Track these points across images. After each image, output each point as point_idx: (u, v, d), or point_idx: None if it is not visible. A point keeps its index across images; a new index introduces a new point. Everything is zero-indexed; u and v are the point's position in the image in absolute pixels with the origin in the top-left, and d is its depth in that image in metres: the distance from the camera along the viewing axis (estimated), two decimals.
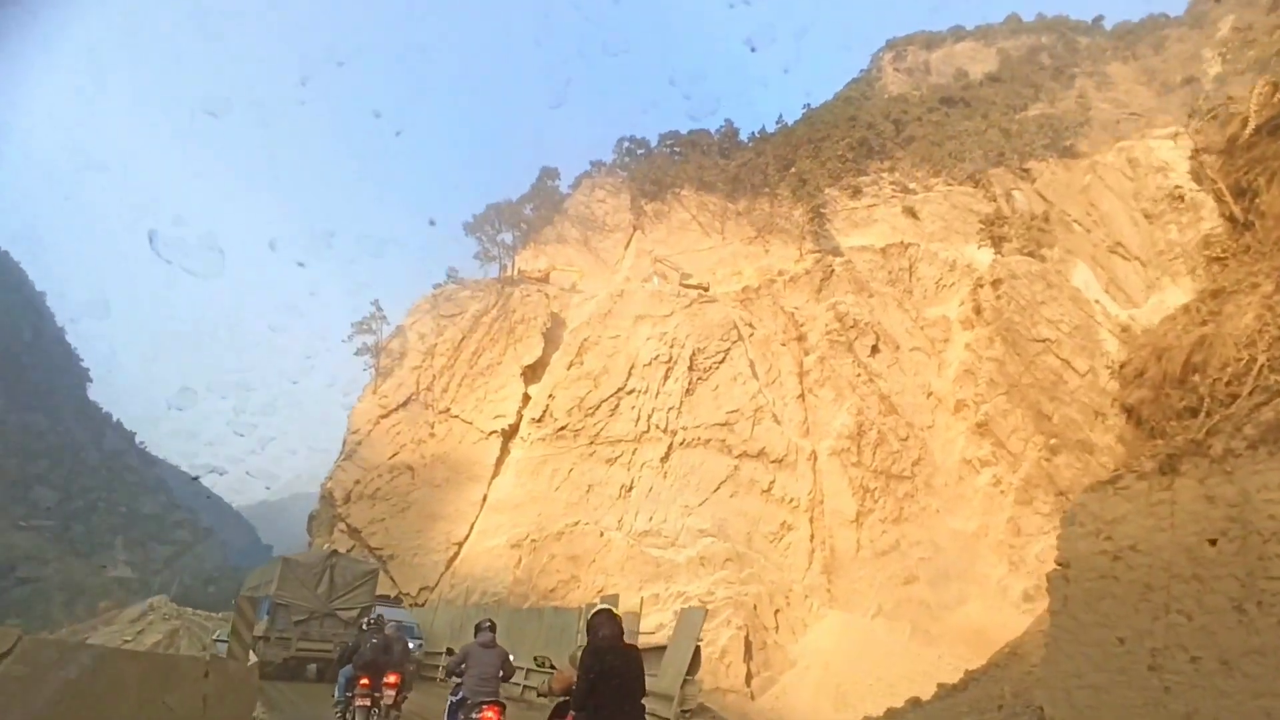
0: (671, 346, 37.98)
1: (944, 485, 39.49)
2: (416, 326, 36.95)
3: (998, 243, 46.09)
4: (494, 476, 34.07)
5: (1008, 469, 39.33)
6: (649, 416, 36.48)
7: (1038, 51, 65.58)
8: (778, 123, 54.12)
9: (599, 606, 5.42)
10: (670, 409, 36.86)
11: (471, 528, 32.87)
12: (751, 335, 40.08)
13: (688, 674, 12.37)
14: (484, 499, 33.49)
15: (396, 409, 34.28)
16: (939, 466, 39.97)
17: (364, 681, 10.25)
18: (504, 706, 7.64)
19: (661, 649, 14.03)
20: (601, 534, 33.63)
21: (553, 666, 8.71)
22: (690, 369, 37.88)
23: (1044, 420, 40.78)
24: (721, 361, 38.62)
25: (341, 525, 31.72)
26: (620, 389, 36.46)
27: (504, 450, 34.71)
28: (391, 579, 30.66)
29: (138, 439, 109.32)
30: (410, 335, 36.55)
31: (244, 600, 9.47)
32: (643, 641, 16.05)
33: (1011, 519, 37.73)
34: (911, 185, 50.26)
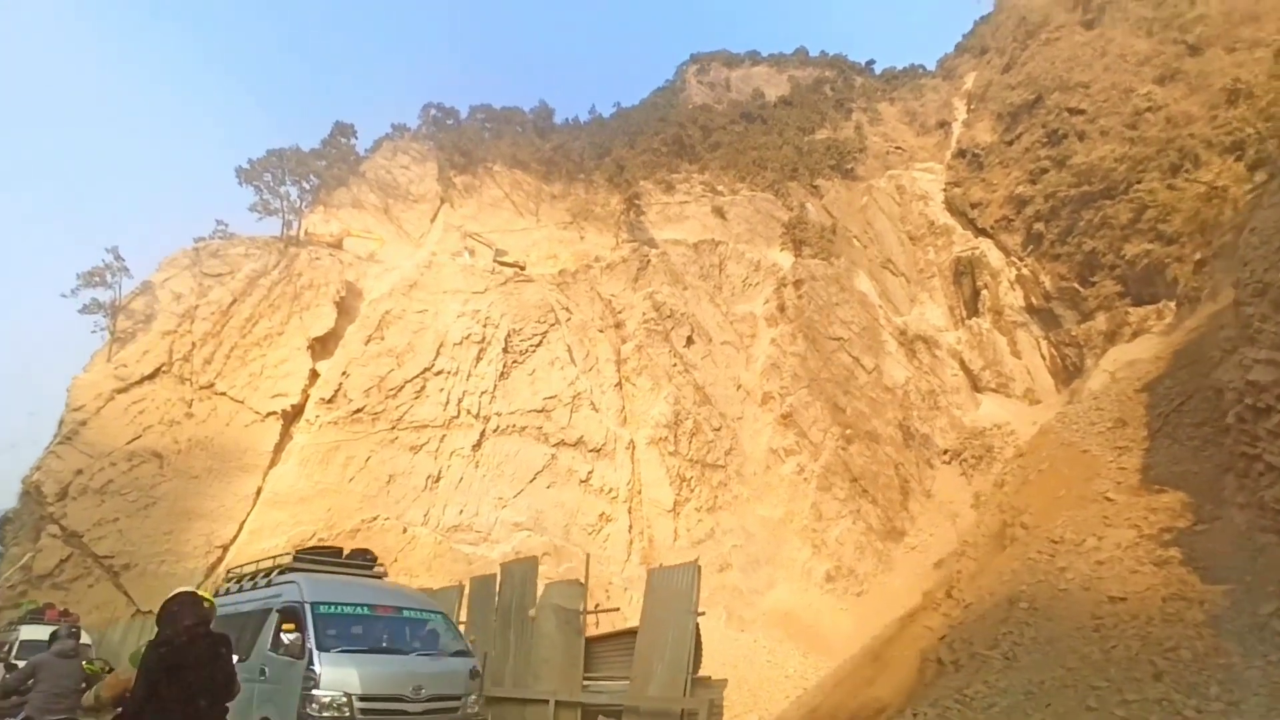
0: (485, 326, 34.90)
1: (753, 474, 40.31)
2: (170, 284, 30.04)
3: (798, 247, 48.87)
4: (272, 466, 28.56)
5: (810, 458, 41.18)
6: (459, 400, 33.05)
7: (822, 84, 71.56)
8: (591, 113, 53.26)
9: (178, 590, 4.55)
10: (483, 393, 33.73)
11: (242, 527, 27.16)
12: (569, 320, 38.19)
13: (693, 671, 8.04)
14: (258, 492, 27.88)
15: (140, 382, 27.36)
16: (748, 456, 40.78)
17: None
18: None
19: (627, 636, 9.31)
20: (405, 530, 29.57)
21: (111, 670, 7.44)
22: (505, 351, 35.07)
23: (839, 412, 43.48)
24: (539, 345, 36.25)
25: (54, 529, 24.43)
26: (427, 369, 32.66)
27: (285, 435, 29.29)
28: (126, 594, 24.23)
29: None
30: (161, 294, 29.61)
31: None
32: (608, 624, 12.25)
33: (814, 504, 39.39)
34: (720, 188, 51.75)
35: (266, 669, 7.92)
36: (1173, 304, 34.58)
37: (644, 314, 40.51)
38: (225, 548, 26.81)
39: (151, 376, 27.79)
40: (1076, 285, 46.28)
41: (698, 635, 8.35)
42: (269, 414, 29.15)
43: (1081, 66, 51.41)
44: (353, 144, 41.11)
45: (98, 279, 27.99)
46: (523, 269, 37.51)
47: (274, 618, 8.15)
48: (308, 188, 35.99)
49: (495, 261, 37.15)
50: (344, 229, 35.98)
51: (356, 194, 38.80)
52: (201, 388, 28.43)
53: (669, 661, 8.07)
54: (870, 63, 74.32)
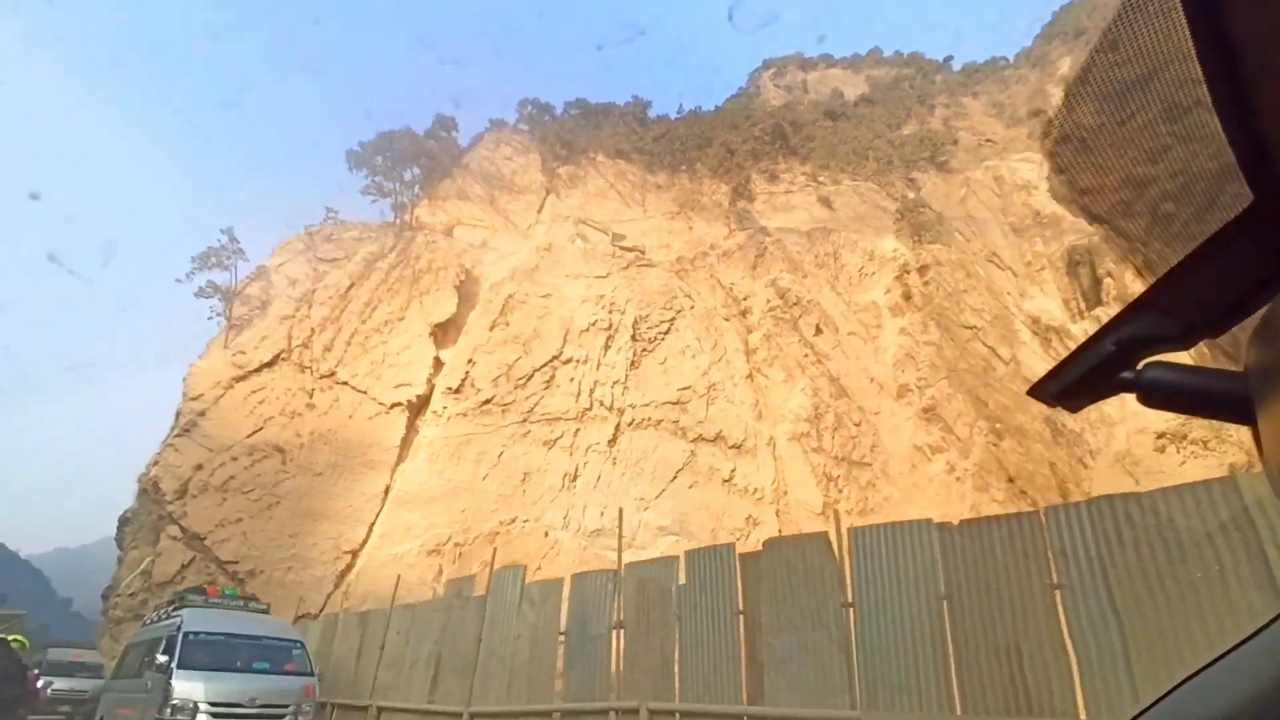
0: (610, 312, 31.83)
1: (899, 473, 36.07)
2: (285, 269, 27.61)
3: (916, 232, 45.34)
4: (400, 462, 25.46)
5: (959, 455, 36.80)
6: (591, 391, 29.80)
7: (901, 81, 68.89)
8: (679, 111, 51.06)
9: None
10: (615, 383, 30.45)
11: (371, 529, 23.95)
12: (692, 308, 34.96)
13: None
14: (387, 490, 24.73)
15: (259, 370, 24.65)
16: (892, 454, 36.61)
17: None
18: None
19: None
20: (546, 534, 26.08)
21: None
22: (634, 339, 31.88)
23: (982, 406, 39.16)
24: (667, 332, 33.02)
25: (174, 530, 21.48)
26: (555, 356, 29.55)
27: (411, 428, 26.26)
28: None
29: None
30: (277, 279, 27.14)
31: None
32: None
33: (973, 507, 34.85)
34: (821, 178, 48.74)
35: (149, 684, 9.97)
36: None
37: (768, 301, 37.11)
38: (354, 553, 23.61)
39: (270, 364, 25.08)
40: None
41: None
42: (394, 405, 26.20)
43: None
44: (454, 137, 39.21)
45: (213, 260, 25.68)
46: (643, 253, 34.57)
47: (161, 644, 10.26)
48: (418, 172, 33.82)
49: (615, 245, 34.27)
50: (453, 218, 33.54)
51: (462, 185, 36.47)
52: (322, 376, 25.63)
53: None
54: (948, 59, 71.65)
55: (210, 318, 25.40)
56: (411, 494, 24.88)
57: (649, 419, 30.52)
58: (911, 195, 51.88)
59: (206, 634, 10.29)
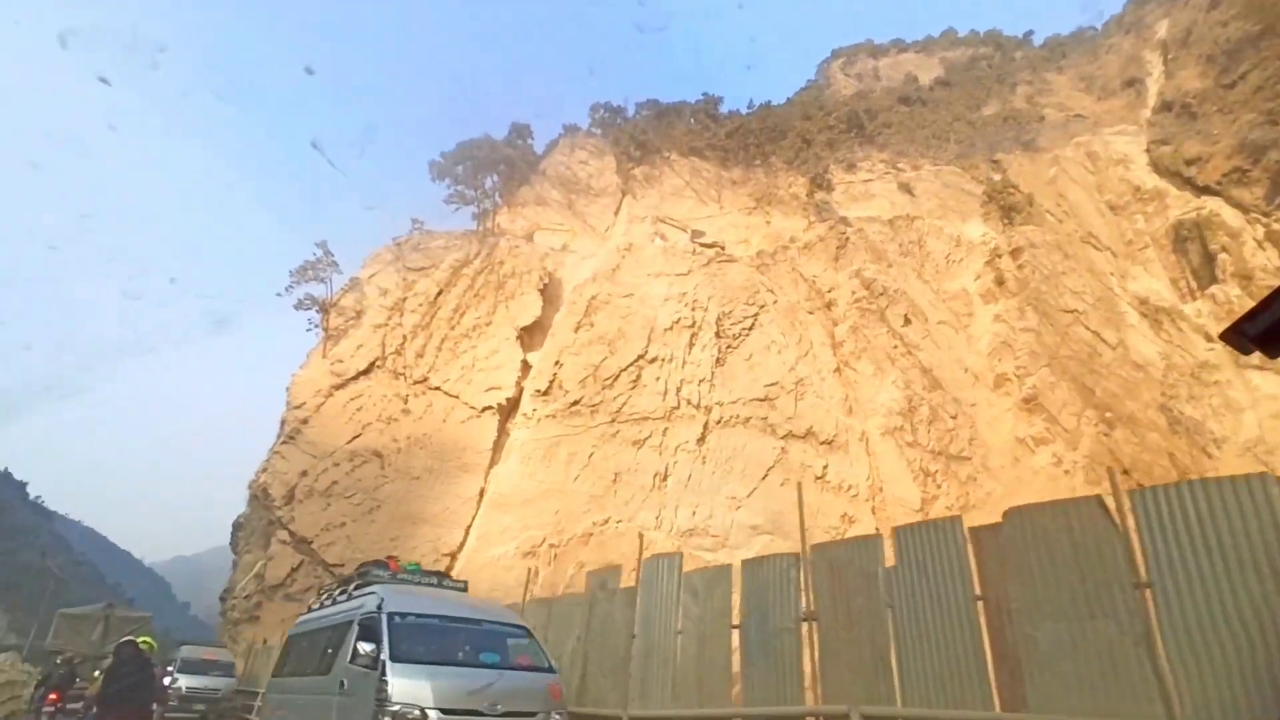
0: (693, 309, 31.34)
1: (1001, 467, 34.24)
2: (376, 280, 28.29)
3: (1006, 214, 43.21)
4: (493, 465, 25.55)
5: (1066, 447, 34.69)
6: (678, 389, 29.34)
7: (978, 61, 66.16)
8: (749, 107, 50.22)
9: (125, 639, 9.74)
10: (701, 380, 29.91)
11: (468, 532, 24.09)
12: (775, 302, 34.11)
13: None
14: (481, 493, 24.84)
15: (356, 377, 25.24)
16: (991, 446, 34.80)
17: (51, 696, 14.57)
18: None
19: None
20: (640, 535, 25.57)
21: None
22: (718, 335, 31.29)
23: (1089, 394, 36.87)
24: (750, 328, 32.29)
25: (283, 534, 22.10)
26: (641, 356, 29.24)
27: (502, 431, 26.37)
28: None
29: (31, 491, 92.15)
30: (369, 290, 27.82)
31: None
32: None
33: None
34: (901, 165, 47.06)
35: (345, 681, 7.57)
36: None
37: (853, 292, 35.92)
38: (453, 555, 23.78)
39: (366, 372, 25.64)
40: None
41: None
42: (485, 408, 26.38)
43: None
44: (530, 144, 39.62)
45: (310, 274, 26.54)
46: (723, 249, 33.98)
47: (354, 630, 7.80)
48: (497, 180, 34.30)
49: (694, 242, 33.80)
50: (533, 224, 33.77)
51: (540, 191, 36.78)
52: (415, 382, 26.03)
53: None
54: (1029, 34, 68.33)
55: (309, 329, 26.24)
56: (505, 496, 24.93)
57: (737, 416, 29.86)
58: (997, 177, 49.54)
59: (416, 616, 7.66)
